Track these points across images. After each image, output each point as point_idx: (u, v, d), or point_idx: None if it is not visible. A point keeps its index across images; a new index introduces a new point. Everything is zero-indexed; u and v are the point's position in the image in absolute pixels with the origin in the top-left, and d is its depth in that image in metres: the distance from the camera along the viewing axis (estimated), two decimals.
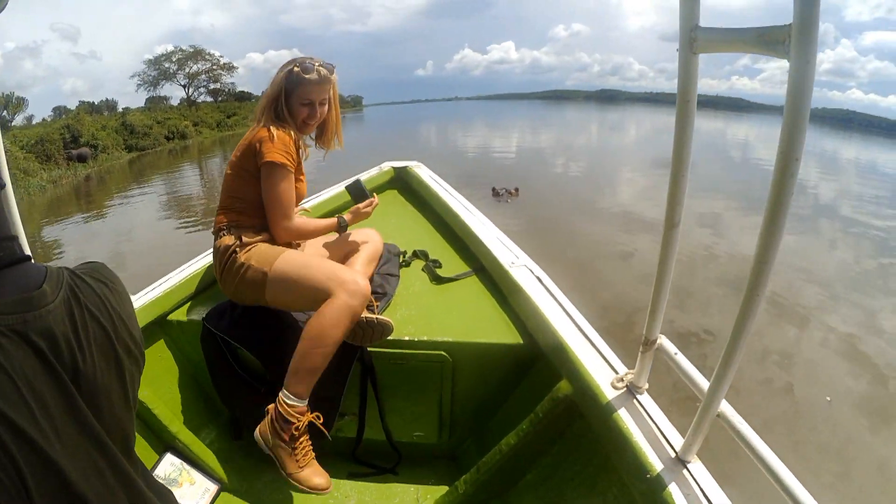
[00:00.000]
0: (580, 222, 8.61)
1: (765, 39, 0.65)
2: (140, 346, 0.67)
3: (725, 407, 0.86)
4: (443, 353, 1.50)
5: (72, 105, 38.06)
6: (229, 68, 49.17)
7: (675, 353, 1.02)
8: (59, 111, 34.88)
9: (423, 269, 1.94)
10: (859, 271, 6.72)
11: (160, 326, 1.69)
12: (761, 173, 15.40)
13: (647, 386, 1.12)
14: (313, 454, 1.40)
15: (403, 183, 2.96)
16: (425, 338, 1.52)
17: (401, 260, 1.96)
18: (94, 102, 42.14)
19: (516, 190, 10.42)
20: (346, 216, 1.74)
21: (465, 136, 29.14)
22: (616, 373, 1.21)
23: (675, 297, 5.34)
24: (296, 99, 1.58)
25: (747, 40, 0.69)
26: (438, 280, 1.85)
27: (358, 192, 1.82)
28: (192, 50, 46.75)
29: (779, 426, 3.43)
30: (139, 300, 1.65)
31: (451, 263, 1.98)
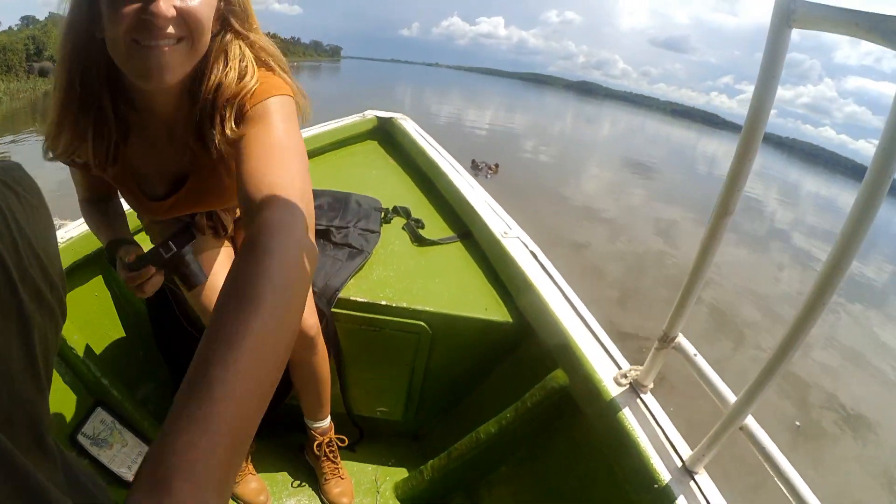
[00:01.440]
0: (546, 206, 8.61)
1: (882, 27, 0.55)
2: (60, 291, 0.45)
3: (750, 420, 0.79)
4: (422, 323, 1.35)
5: (42, 16, 35.52)
6: None
7: (695, 355, 0.91)
8: (27, 21, 32.48)
9: (403, 228, 1.73)
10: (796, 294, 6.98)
11: (97, 260, 1.46)
12: (719, 188, 15.86)
13: (651, 386, 1.02)
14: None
15: (386, 135, 2.73)
16: (404, 304, 1.35)
17: (381, 216, 1.75)
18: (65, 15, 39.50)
19: (496, 166, 10.04)
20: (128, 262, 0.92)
21: (441, 104, 28.71)
22: (619, 367, 1.09)
23: (619, 295, 5.55)
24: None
25: (860, 24, 0.59)
26: (421, 241, 1.65)
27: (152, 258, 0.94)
28: None
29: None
30: (73, 230, 1.41)
31: (435, 226, 1.77)
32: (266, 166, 0.67)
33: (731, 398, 0.81)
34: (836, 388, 4.59)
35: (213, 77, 0.76)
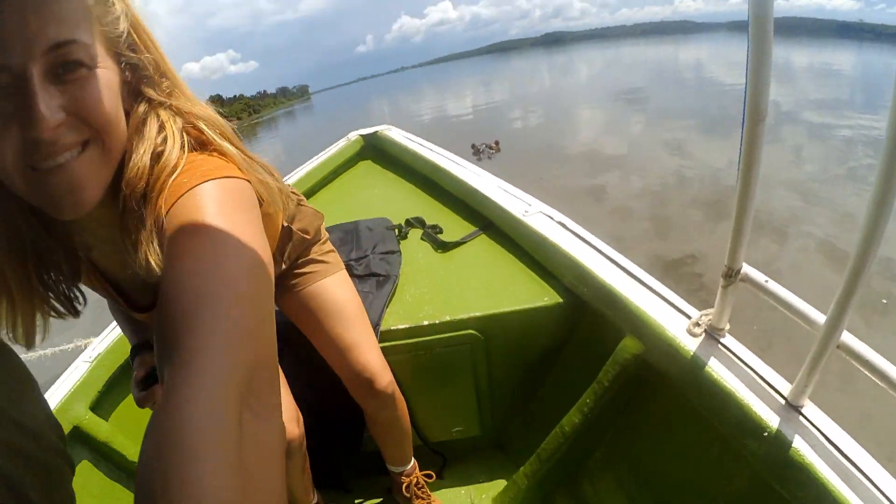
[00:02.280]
0: (553, 166, 8.46)
1: None
2: (52, 441, 0.42)
3: (846, 336, 0.70)
4: (472, 331, 1.27)
5: None
6: None
7: (766, 282, 0.82)
8: None
9: (422, 238, 1.65)
10: (829, 176, 6.67)
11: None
12: (713, 90, 15.45)
13: (728, 327, 0.92)
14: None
15: (376, 150, 2.63)
16: (447, 317, 1.27)
17: (396, 234, 1.67)
18: None
19: (496, 143, 9.77)
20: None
21: (420, 104, 28.61)
22: (688, 317, 0.99)
23: (654, 227, 5.42)
24: None
25: None
26: (444, 247, 1.56)
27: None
28: None
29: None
30: (100, 346, 1.37)
31: (454, 226, 1.68)
32: (187, 277, 0.45)
33: (820, 318, 0.71)
34: None
35: (128, 168, 0.56)
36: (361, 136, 2.65)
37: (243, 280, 0.46)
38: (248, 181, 0.58)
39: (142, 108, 0.57)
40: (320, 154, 2.53)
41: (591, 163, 8.22)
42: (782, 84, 15.34)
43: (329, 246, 1.17)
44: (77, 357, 1.41)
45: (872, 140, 8.06)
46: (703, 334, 0.92)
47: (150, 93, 0.58)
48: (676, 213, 5.78)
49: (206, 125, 0.60)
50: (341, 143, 2.62)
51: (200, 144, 0.60)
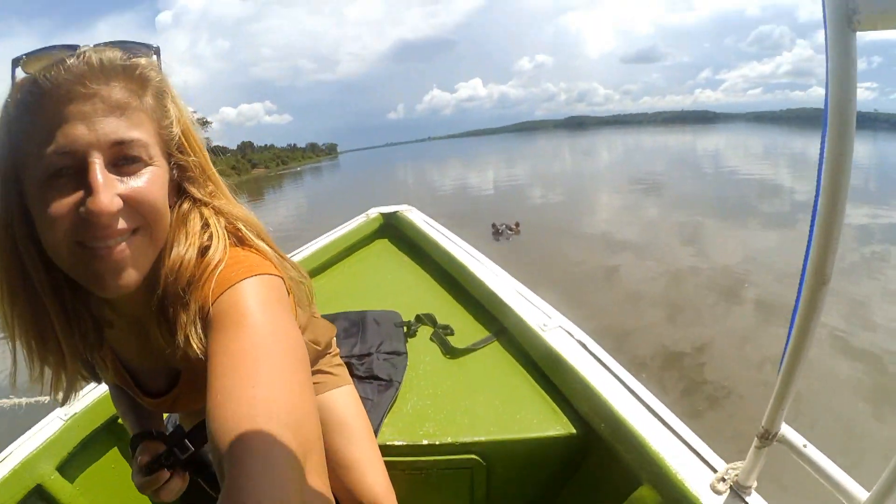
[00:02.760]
0: (571, 248, 8.47)
1: None
2: None
3: None
4: (473, 456, 1.17)
5: None
6: (203, 123, 49.42)
7: (805, 447, 0.73)
8: None
9: (431, 339, 1.56)
10: (845, 264, 6.62)
11: (112, 430, 1.35)
12: (731, 183, 15.64)
13: (755, 484, 0.81)
14: None
15: (395, 230, 2.57)
16: (449, 439, 1.17)
17: (405, 331, 1.58)
18: None
19: (517, 225, 9.50)
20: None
21: (443, 176, 29.19)
22: (713, 469, 0.90)
23: (666, 313, 5.35)
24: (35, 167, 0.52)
25: None
26: (453, 353, 1.46)
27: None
28: None
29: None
30: (77, 405, 1.30)
31: (465, 328, 1.59)
32: (236, 388, 0.48)
33: (861, 494, 0.63)
34: None
35: (171, 258, 0.59)
36: (381, 214, 2.61)
37: (288, 369, 0.50)
38: (282, 278, 0.62)
39: (186, 204, 0.62)
40: (339, 227, 2.51)
41: (608, 244, 8.27)
42: (798, 175, 15.49)
43: (338, 360, 1.14)
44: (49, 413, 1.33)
45: (887, 227, 8.20)
46: (728, 491, 0.82)
47: (194, 191, 0.63)
48: (687, 300, 5.74)
49: (244, 225, 0.65)
50: (360, 218, 2.59)
51: (239, 241, 0.64)
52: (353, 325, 1.54)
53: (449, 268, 1.98)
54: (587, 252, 8.01)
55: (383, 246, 2.50)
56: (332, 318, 1.48)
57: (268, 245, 0.66)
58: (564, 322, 1.40)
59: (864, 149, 26.52)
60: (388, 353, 1.41)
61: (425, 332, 1.60)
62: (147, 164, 0.55)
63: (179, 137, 0.60)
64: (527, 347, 1.40)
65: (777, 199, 11.56)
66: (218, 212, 0.64)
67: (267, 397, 0.47)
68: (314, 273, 2.17)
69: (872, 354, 4.22)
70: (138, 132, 0.54)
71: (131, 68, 0.54)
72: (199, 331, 0.56)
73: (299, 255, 2.20)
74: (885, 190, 12.93)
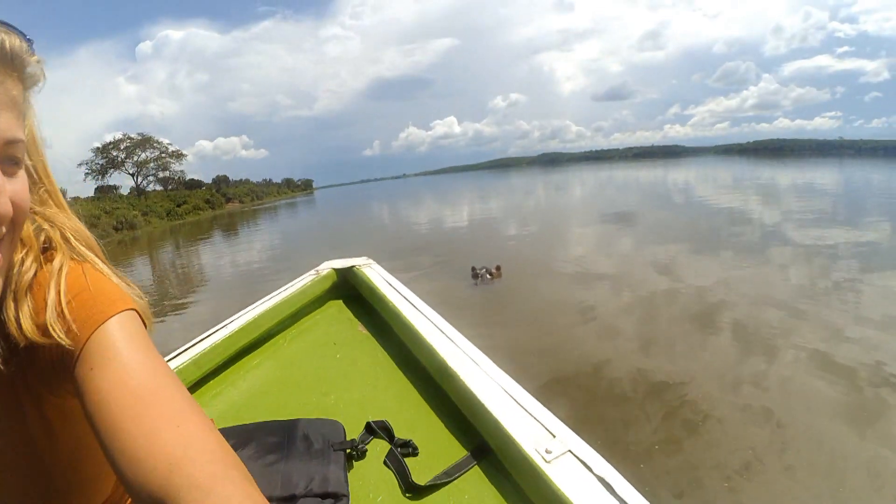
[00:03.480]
0: (549, 283, 8.63)
1: None
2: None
3: None
4: None
5: None
6: (178, 156, 49.32)
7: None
8: None
9: (385, 463, 1.14)
10: (817, 289, 6.90)
11: None
12: (703, 211, 16.15)
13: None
14: None
15: (350, 290, 2.21)
16: None
17: (347, 451, 1.15)
18: None
19: (498, 269, 8.96)
20: None
21: (418, 212, 29.33)
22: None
23: (639, 344, 5.48)
24: None
25: None
26: (414, 490, 1.04)
27: None
28: (140, 138, 46.77)
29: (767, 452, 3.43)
30: None
31: (434, 444, 1.19)
32: (158, 430, 0.45)
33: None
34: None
35: (17, 258, 0.55)
36: (335, 270, 2.25)
37: (188, 405, 0.50)
38: (135, 310, 0.59)
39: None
40: (286, 287, 2.14)
41: (585, 280, 8.44)
42: (769, 203, 16.08)
43: None
44: None
45: (856, 253, 8.60)
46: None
47: (35, 199, 0.60)
48: (663, 329, 5.90)
49: (73, 236, 0.62)
50: (310, 275, 2.23)
51: (75, 254, 0.61)
52: (278, 441, 1.16)
53: (413, 347, 1.57)
54: (566, 289, 8.17)
55: (336, 310, 2.16)
56: (246, 431, 1.21)
57: (99, 258, 0.63)
58: (574, 441, 0.98)
59: (830, 175, 27.64)
60: (321, 496, 1.01)
61: (378, 451, 1.19)
62: (21, 167, 0.52)
63: (31, 138, 0.57)
64: (522, 483, 1.00)
65: (749, 229, 12.01)
66: (48, 219, 0.61)
67: (195, 434, 0.46)
68: (248, 349, 1.83)
69: (847, 369, 4.40)
70: (22, 132, 0.51)
71: (26, 61, 0.51)
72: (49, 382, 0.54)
73: (236, 321, 1.85)
74: (852, 213, 13.70)
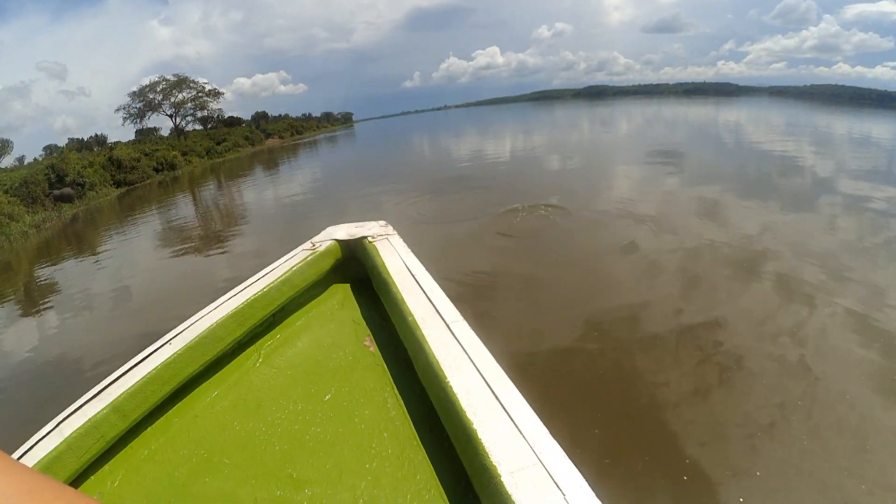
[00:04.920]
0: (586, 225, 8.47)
1: None
2: None
3: None
4: None
5: (62, 143, 37.99)
6: (215, 94, 49.50)
7: None
8: (50, 150, 34.57)
9: None
10: (864, 247, 6.54)
11: None
12: (753, 154, 15.34)
13: None
14: None
15: (357, 269, 1.80)
16: None
17: None
18: (83, 139, 42.27)
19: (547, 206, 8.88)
20: None
21: (459, 143, 28.81)
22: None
23: (678, 286, 5.41)
24: None
25: None
26: None
27: None
28: (175, 79, 47.02)
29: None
30: None
31: None
32: None
33: None
34: None
35: None
36: (338, 242, 1.81)
37: None
38: None
39: None
40: (269, 269, 1.69)
41: (627, 220, 8.22)
42: (822, 152, 15.17)
43: None
44: None
45: None
46: None
47: None
48: (704, 274, 5.77)
49: None
50: (304, 248, 1.79)
51: None
52: None
53: (430, 385, 1.21)
54: (607, 228, 8.03)
55: (339, 297, 1.74)
56: None
57: None
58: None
59: (890, 128, 25.73)
60: None
61: None
62: None
63: None
64: None
65: (799, 178, 11.36)
66: None
67: None
68: (203, 374, 1.47)
69: (886, 335, 4.19)
70: None
71: None
72: None
73: (187, 331, 1.46)
74: None
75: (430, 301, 1.41)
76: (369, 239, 1.78)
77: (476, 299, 5.51)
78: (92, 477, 1.21)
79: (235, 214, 15.00)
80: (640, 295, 5.24)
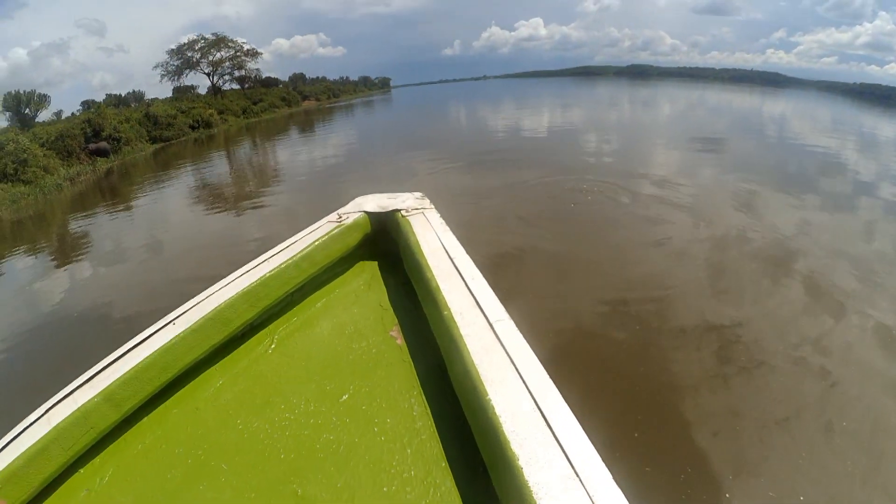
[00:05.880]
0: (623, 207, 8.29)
1: None
2: None
3: None
4: None
5: (100, 98, 38.63)
6: (253, 54, 49.56)
7: None
8: (88, 105, 35.08)
9: None
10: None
11: None
12: (795, 149, 14.75)
13: None
14: None
15: (388, 245, 1.65)
16: None
17: None
18: (121, 95, 42.95)
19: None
20: None
21: (496, 115, 28.36)
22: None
23: (705, 277, 5.29)
24: None
25: None
26: None
27: None
28: (214, 38, 47.19)
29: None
30: None
31: None
32: None
33: None
34: None
35: None
36: (367, 214, 1.64)
37: None
38: None
39: None
40: (297, 237, 1.55)
41: (661, 206, 8.03)
42: (867, 154, 14.50)
43: None
44: None
45: None
46: None
47: None
48: (732, 267, 5.65)
49: None
50: (329, 220, 1.62)
51: None
52: None
53: (465, 399, 1.04)
54: (640, 212, 7.86)
55: (364, 280, 1.57)
56: None
57: None
58: None
59: None
60: None
61: None
62: None
63: None
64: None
65: (840, 177, 10.91)
66: None
67: None
68: (209, 360, 1.35)
69: None
70: None
71: None
72: None
73: (194, 310, 1.33)
74: None
75: (471, 292, 1.23)
76: (403, 212, 1.60)
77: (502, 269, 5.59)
78: (81, 470, 1.11)
79: (268, 175, 15.12)
80: (668, 281, 5.13)
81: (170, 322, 1.30)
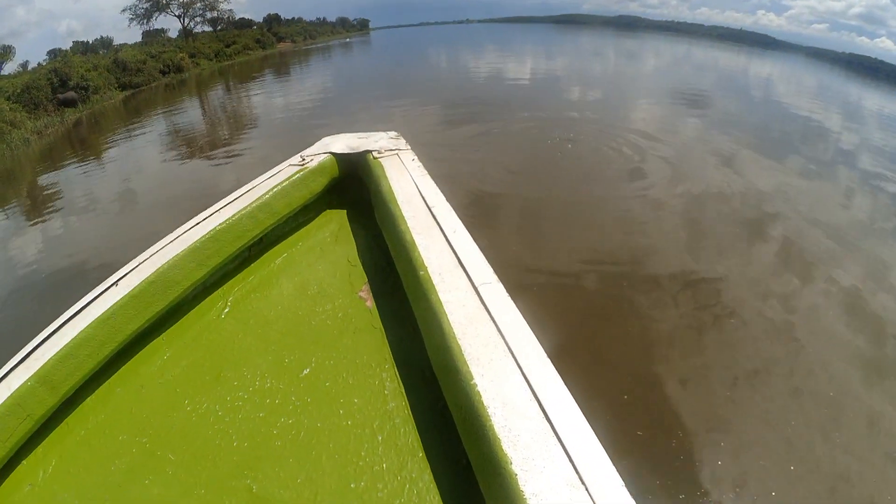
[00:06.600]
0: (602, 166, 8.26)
1: None
2: None
3: None
4: None
5: (67, 47, 36.52)
6: None
7: None
8: (54, 54, 33.20)
9: None
10: (875, 227, 6.41)
11: None
12: (779, 112, 14.75)
13: None
14: None
15: (357, 192, 1.46)
16: None
17: None
18: (88, 42, 40.63)
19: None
20: None
21: (479, 59, 27.62)
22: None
23: (684, 234, 5.38)
24: None
25: None
26: None
27: None
28: None
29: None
30: None
31: None
32: None
33: None
34: None
35: None
36: (335, 156, 1.45)
37: None
38: None
39: None
40: (253, 184, 1.38)
41: (642, 161, 8.04)
42: (850, 124, 14.56)
43: None
44: None
45: None
46: None
47: None
48: (710, 225, 5.80)
49: None
50: (291, 165, 1.43)
51: None
52: None
53: (446, 384, 0.89)
54: (620, 167, 7.84)
55: (331, 231, 1.39)
56: None
57: None
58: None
59: None
60: None
61: None
62: None
63: None
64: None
65: (822, 145, 10.99)
66: None
67: None
68: (158, 326, 1.21)
69: (877, 318, 4.21)
70: None
71: None
72: None
73: (139, 269, 1.17)
74: None
75: (452, 248, 1.06)
76: (374, 154, 1.41)
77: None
78: (24, 462, 0.99)
79: (243, 121, 14.66)
80: (646, 237, 5.19)
81: (105, 290, 1.15)
